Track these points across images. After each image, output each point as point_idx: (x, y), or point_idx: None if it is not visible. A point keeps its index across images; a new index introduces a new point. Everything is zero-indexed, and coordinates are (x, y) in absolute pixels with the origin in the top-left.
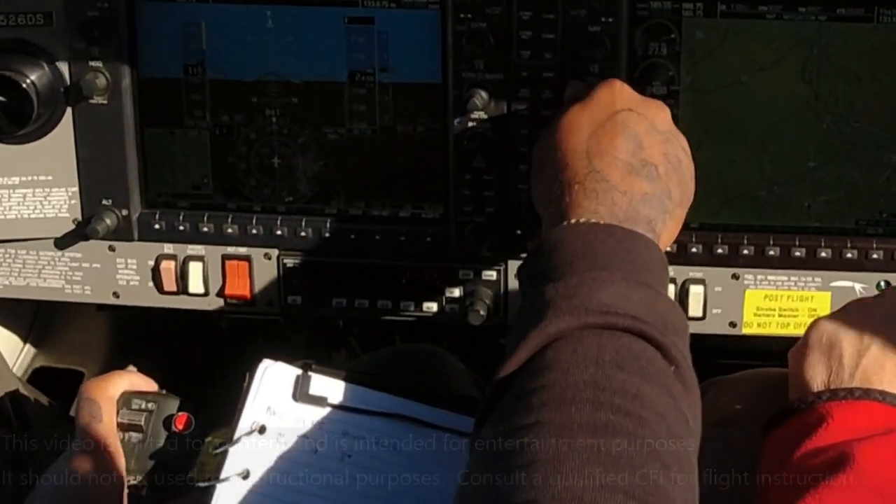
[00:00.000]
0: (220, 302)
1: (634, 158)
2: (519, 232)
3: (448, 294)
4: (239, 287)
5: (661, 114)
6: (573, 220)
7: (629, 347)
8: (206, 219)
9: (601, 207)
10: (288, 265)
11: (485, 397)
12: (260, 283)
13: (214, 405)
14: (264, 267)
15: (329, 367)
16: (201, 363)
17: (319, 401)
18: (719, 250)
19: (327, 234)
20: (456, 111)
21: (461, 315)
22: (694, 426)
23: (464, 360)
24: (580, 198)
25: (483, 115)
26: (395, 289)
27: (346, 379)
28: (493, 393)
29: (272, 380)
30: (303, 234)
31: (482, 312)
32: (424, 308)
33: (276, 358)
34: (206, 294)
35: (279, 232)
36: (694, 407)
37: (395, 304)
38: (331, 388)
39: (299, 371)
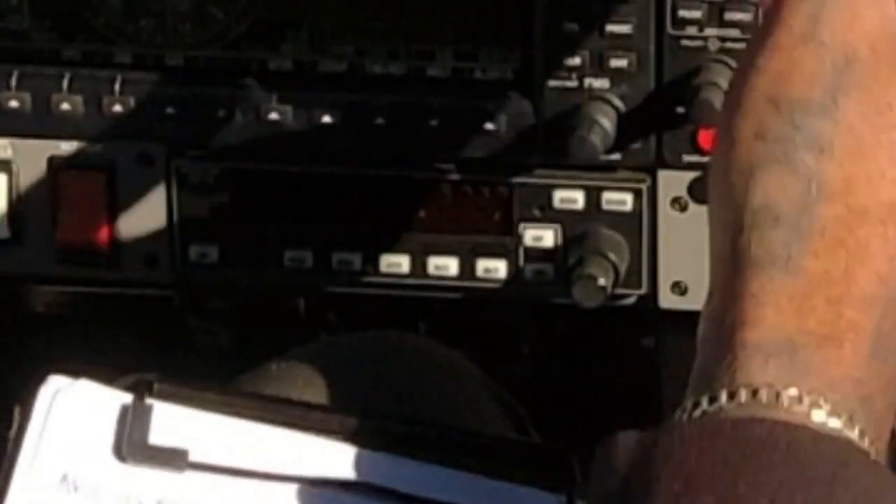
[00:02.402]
0: (46, 257)
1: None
2: (681, 110)
3: (530, 242)
4: (86, 227)
5: None
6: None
7: None
8: (15, 82)
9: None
10: (191, 180)
11: None
12: (132, 220)
13: None
14: (140, 184)
15: (198, 384)
16: None
17: (171, 459)
18: None
19: (274, 116)
20: None
21: (558, 287)
22: None
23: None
24: (750, 309)
25: None
26: (418, 230)
27: (235, 411)
28: None
29: (71, 416)
30: (221, 113)
31: (602, 282)
32: (481, 272)
33: (94, 373)
34: (14, 240)
35: (170, 110)
36: None
37: (417, 263)
38: (201, 430)
39: (126, 397)
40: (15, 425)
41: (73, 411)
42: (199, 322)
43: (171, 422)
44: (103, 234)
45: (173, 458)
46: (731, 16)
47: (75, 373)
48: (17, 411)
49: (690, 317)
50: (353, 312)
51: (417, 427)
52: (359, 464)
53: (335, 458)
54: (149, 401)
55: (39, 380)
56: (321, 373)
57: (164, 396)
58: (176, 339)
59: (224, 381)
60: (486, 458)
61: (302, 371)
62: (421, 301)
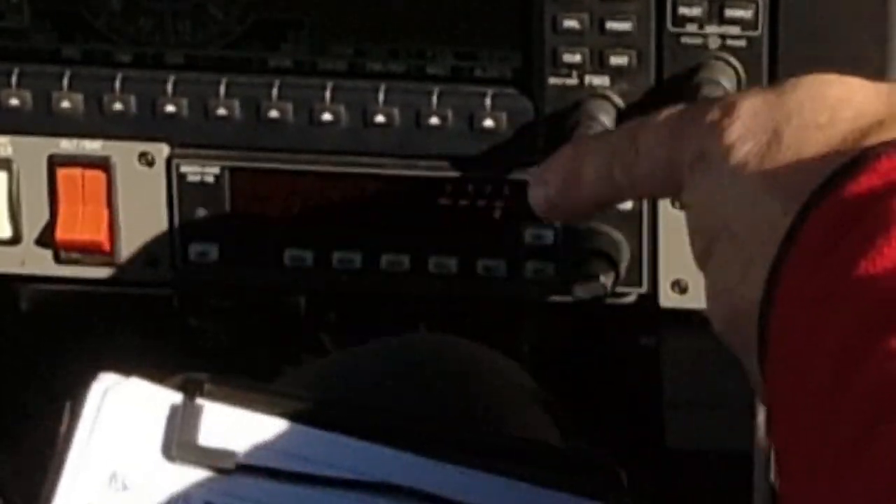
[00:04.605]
0: (45, 257)
1: None
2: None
3: (530, 241)
4: (86, 226)
5: None
6: None
7: None
8: (15, 80)
9: None
10: (190, 179)
11: None
12: (132, 220)
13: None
14: (140, 182)
15: (246, 384)
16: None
17: (220, 458)
18: None
19: (273, 114)
20: None
21: (558, 285)
22: None
23: (542, 373)
24: None
25: None
26: (417, 227)
27: (283, 412)
28: None
29: (120, 415)
30: (221, 111)
31: (602, 280)
32: (480, 270)
33: (144, 372)
34: (15, 240)
35: (170, 108)
36: None
37: (417, 262)
38: (249, 431)
39: (176, 396)
40: (65, 423)
41: (122, 410)
42: (199, 322)
43: (220, 422)
44: (103, 233)
45: (222, 459)
46: (731, 13)
47: (126, 371)
48: (67, 408)
49: (691, 315)
50: (353, 312)
51: (462, 432)
52: (404, 468)
53: (381, 462)
54: (199, 401)
55: (90, 377)
56: (368, 375)
57: (214, 396)
58: (176, 339)
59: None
60: (529, 465)
61: (350, 373)
62: (421, 300)
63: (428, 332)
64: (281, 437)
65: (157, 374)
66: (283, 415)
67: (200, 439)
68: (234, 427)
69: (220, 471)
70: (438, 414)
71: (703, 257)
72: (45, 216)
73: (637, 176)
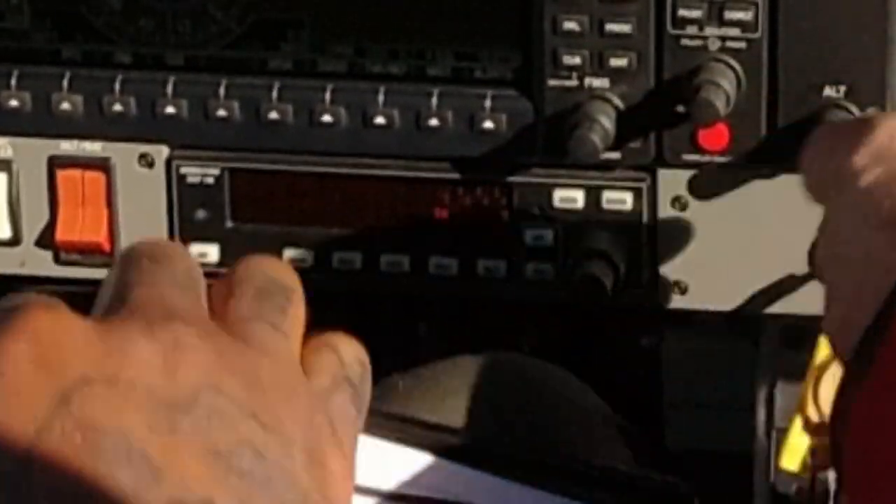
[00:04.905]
0: (46, 258)
1: None
2: (681, 109)
3: (530, 242)
4: (86, 227)
5: None
6: None
7: None
8: (15, 82)
9: None
10: (190, 180)
11: None
12: (132, 220)
13: None
14: (140, 184)
15: None
16: None
17: None
18: None
19: (273, 115)
20: None
21: (558, 286)
22: None
23: None
24: None
25: None
26: (418, 229)
27: (367, 430)
28: None
29: None
30: (221, 113)
31: (602, 281)
32: (481, 270)
33: None
34: (14, 241)
35: (171, 110)
36: None
37: (417, 262)
38: None
39: None
40: None
41: None
42: None
43: None
44: (103, 234)
45: None
46: (731, 15)
47: None
48: None
49: (691, 316)
50: (353, 312)
51: (539, 455)
52: (482, 489)
53: (461, 482)
54: None
55: None
56: (445, 392)
57: None
58: None
59: None
60: (605, 490)
61: (427, 390)
62: (421, 301)
63: (507, 351)
64: (360, 453)
65: None
66: (366, 432)
67: None
68: None
69: None
70: (515, 434)
71: (823, 266)
72: (45, 217)
73: (809, 182)
